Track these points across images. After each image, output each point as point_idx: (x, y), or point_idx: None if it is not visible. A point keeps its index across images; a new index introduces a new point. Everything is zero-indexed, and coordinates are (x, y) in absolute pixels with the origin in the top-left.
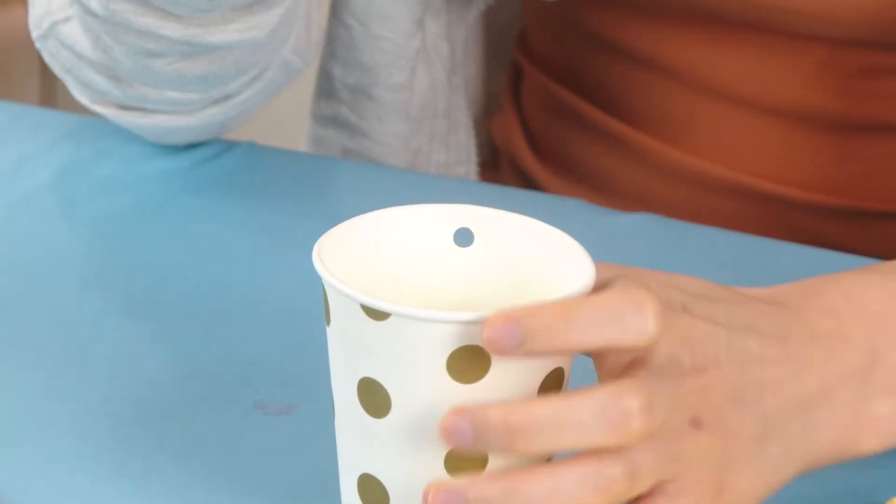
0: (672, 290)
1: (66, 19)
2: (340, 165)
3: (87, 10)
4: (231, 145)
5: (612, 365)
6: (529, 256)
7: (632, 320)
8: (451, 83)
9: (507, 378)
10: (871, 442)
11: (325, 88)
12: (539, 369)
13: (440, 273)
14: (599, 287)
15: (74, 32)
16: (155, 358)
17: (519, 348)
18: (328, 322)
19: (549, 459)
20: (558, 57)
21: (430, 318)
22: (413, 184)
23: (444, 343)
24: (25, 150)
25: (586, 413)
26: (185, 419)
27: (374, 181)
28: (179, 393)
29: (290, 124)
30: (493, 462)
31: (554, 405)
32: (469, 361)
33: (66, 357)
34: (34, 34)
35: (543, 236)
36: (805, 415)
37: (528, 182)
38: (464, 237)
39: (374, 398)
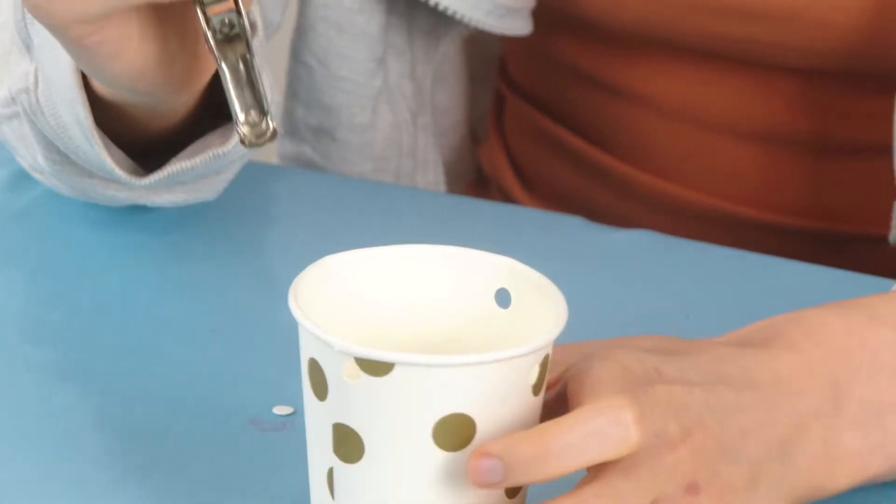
0: (641, 354)
1: (10, 117)
2: (332, 180)
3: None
4: None
5: None
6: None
7: (612, 434)
8: (417, 122)
9: None
10: (844, 478)
11: (289, 128)
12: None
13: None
14: (563, 372)
15: (16, 138)
16: (149, 374)
17: (504, 483)
18: (324, 394)
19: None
20: (537, 86)
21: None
22: (411, 198)
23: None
24: (19, 166)
25: None
26: (179, 435)
27: (371, 195)
28: (174, 409)
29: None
30: None
31: None
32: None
33: (60, 374)
34: None
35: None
36: (783, 454)
37: None
38: (503, 298)
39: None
